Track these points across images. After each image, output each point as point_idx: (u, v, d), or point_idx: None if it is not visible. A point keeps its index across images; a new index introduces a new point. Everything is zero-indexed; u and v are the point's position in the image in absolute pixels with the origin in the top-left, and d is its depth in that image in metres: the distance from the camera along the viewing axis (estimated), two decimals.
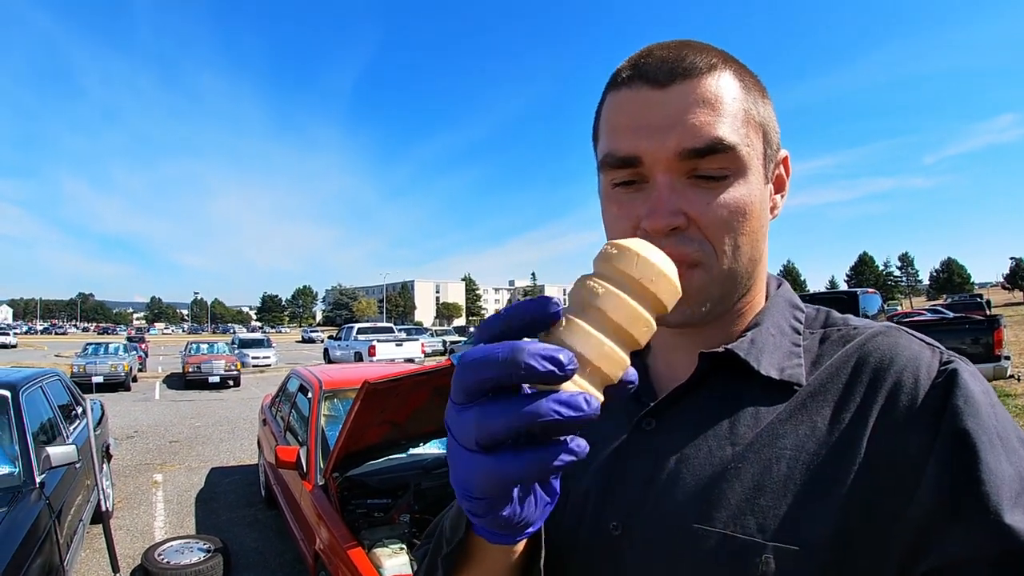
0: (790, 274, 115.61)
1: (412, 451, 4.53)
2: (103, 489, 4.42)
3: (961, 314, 19.35)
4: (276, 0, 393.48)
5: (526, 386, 0.44)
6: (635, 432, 0.76)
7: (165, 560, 4.32)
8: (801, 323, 0.77)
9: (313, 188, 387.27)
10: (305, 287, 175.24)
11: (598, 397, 0.45)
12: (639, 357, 0.85)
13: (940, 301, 59.19)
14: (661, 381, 0.82)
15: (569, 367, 0.42)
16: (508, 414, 0.43)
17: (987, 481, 0.56)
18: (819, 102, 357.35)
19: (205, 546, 4.56)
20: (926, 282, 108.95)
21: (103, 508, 3.92)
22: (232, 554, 4.98)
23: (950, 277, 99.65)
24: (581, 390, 0.44)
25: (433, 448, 4.81)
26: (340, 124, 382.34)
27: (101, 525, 3.98)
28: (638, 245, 0.49)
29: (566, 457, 0.44)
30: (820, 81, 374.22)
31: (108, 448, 6.59)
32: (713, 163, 0.67)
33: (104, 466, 5.98)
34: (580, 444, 0.45)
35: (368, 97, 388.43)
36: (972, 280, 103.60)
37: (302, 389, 5.79)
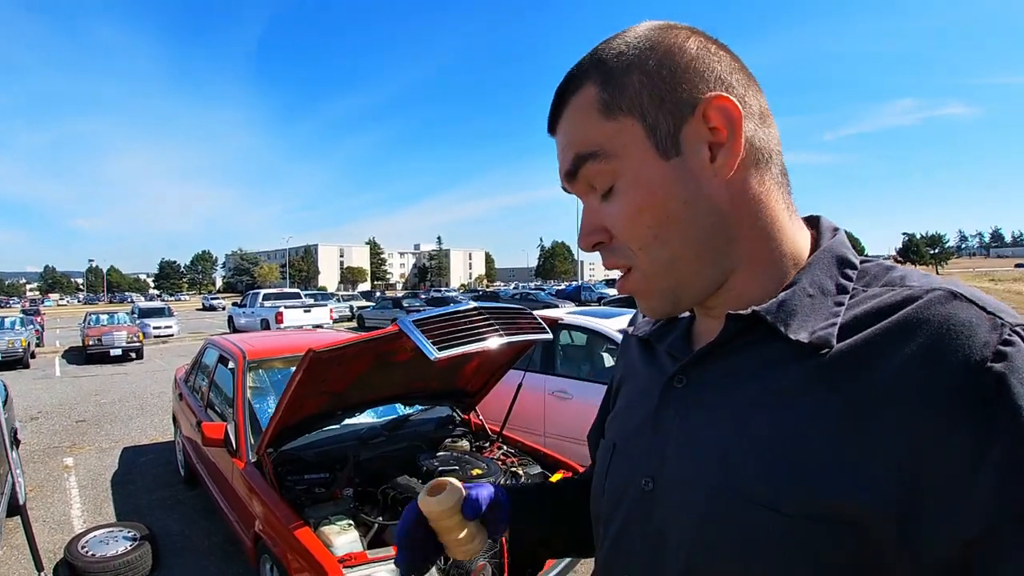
0: None
1: (346, 421, 4.36)
2: (16, 479, 4.11)
3: None
4: None
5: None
6: (667, 389, 0.79)
7: (90, 552, 4.04)
8: (851, 280, 0.72)
9: (214, 147, 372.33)
10: (205, 252, 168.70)
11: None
12: (686, 321, 0.88)
13: None
14: (700, 343, 0.82)
15: None
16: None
17: None
18: None
19: (130, 534, 4.30)
20: None
21: (18, 500, 3.62)
22: (158, 539, 4.74)
23: None
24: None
25: (367, 417, 4.65)
26: (244, 79, 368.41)
27: (19, 518, 3.67)
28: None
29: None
30: None
31: (16, 432, 6.17)
32: (591, 176, 0.74)
33: (14, 453, 5.60)
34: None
35: (275, 51, 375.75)
36: (866, 252, 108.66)
37: (222, 360, 5.52)
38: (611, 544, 0.83)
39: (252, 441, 4.18)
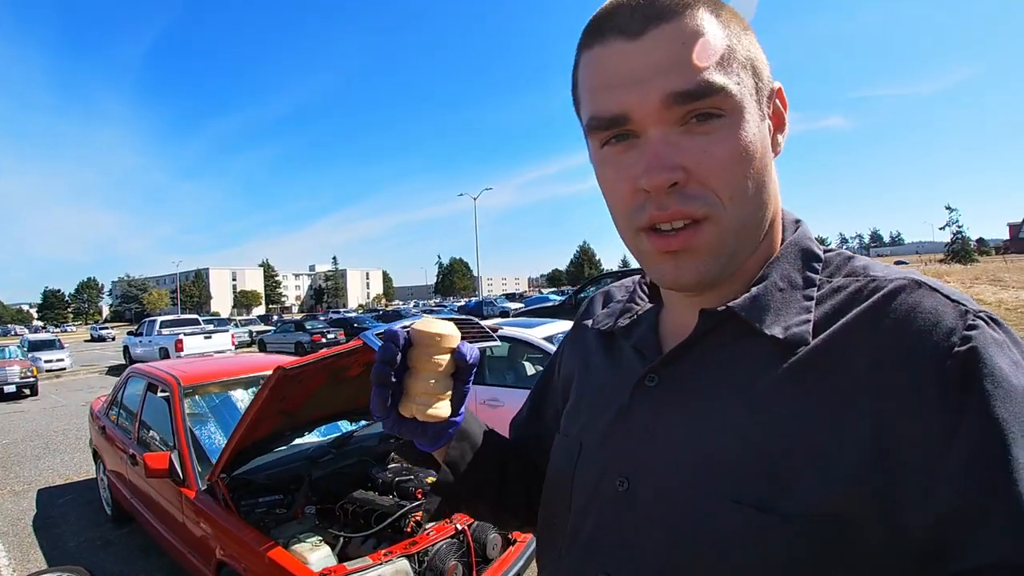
0: (585, 254, 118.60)
1: (294, 441, 4.31)
2: None
3: None
4: None
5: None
6: (638, 389, 0.77)
7: None
8: (817, 273, 0.73)
9: (98, 168, 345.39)
10: (90, 279, 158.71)
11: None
12: (652, 315, 0.86)
13: None
14: (669, 339, 0.81)
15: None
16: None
17: (1019, 480, 0.52)
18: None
19: None
20: None
21: None
22: None
23: None
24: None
25: (312, 436, 4.60)
26: (130, 95, 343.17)
27: None
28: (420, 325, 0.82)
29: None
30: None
31: None
32: (704, 107, 0.64)
33: None
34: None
35: (163, 66, 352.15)
36: None
37: (151, 388, 5.32)
38: (582, 547, 0.79)
39: (199, 469, 4.08)
